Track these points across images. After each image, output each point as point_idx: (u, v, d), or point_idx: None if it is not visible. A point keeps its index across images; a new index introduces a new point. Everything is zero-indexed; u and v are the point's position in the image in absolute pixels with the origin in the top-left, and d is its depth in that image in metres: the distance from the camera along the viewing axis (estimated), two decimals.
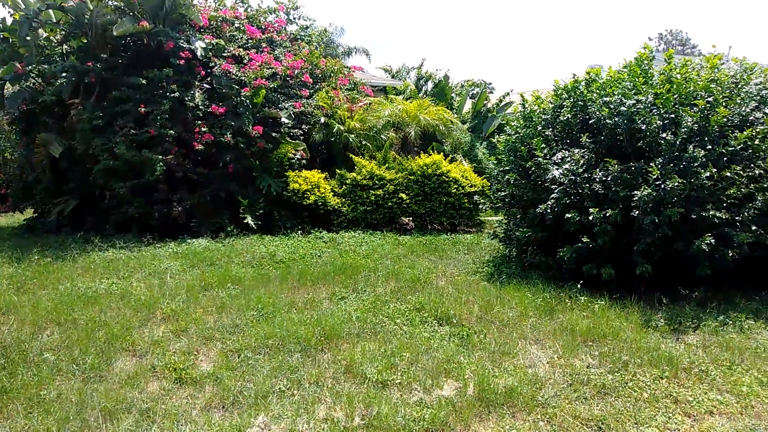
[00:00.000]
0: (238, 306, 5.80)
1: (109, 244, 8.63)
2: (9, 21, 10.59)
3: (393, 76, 20.49)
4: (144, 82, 9.76)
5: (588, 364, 4.50)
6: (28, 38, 9.93)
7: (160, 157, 9.41)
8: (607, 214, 6.07)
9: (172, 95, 9.84)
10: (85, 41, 10.61)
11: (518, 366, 4.47)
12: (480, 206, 9.23)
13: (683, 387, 4.05)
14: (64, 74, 9.98)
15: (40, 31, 10.93)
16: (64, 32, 10.97)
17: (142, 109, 9.48)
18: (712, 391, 3.98)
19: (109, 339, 4.88)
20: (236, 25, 12.19)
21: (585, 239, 6.28)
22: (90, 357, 4.54)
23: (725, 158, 6.11)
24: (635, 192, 6.05)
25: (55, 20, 10.81)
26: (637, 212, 6.02)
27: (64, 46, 11.24)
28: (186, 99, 9.99)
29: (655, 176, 5.97)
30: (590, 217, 6.16)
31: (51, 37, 11.23)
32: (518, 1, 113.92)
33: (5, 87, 10.70)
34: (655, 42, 58.70)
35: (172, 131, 9.63)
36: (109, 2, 10.88)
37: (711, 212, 5.75)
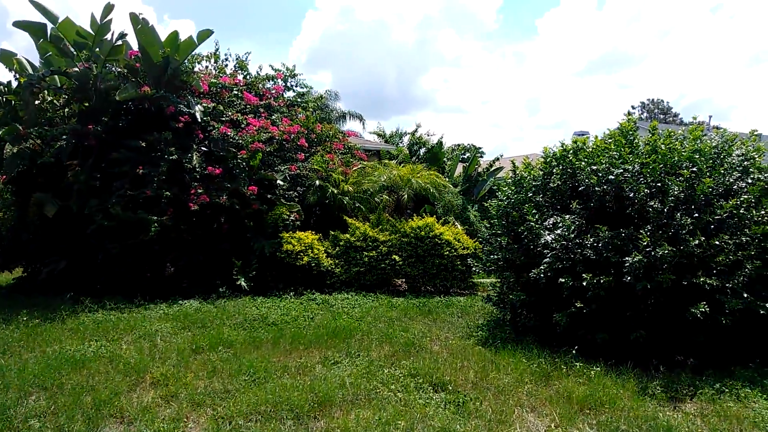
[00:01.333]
0: (229, 370, 5.69)
1: (99, 305, 8.51)
2: (14, 84, 10.90)
3: (386, 141, 21.03)
4: (143, 144, 9.95)
5: None
6: (30, 102, 10.15)
7: (155, 217, 9.47)
8: (600, 280, 6.15)
9: (170, 157, 10.01)
10: (87, 105, 10.88)
11: None
12: (473, 269, 9.27)
13: None
14: (64, 137, 10.17)
15: (44, 94, 11.21)
16: (66, 96, 11.26)
17: (140, 171, 9.61)
18: None
19: (97, 405, 4.75)
20: (235, 91, 12.59)
21: (579, 304, 6.31)
22: (76, 424, 4.41)
23: (712, 226, 6.26)
24: (626, 258, 6.15)
25: (59, 85, 11.13)
26: (629, 278, 6.10)
27: (66, 110, 11.50)
28: (184, 161, 10.16)
29: (645, 243, 6.09)
30: (584, 283, 6.22)
31: (54, 101, 11.51)
32: (508, 71, 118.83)
33: (5, 148, 10.86)
34: (638, 110, 60.95)
35: (168, 192, 9.73)
36: (113, 69, 11.26)
37: (702, 279, 5.83)
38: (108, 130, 10.41)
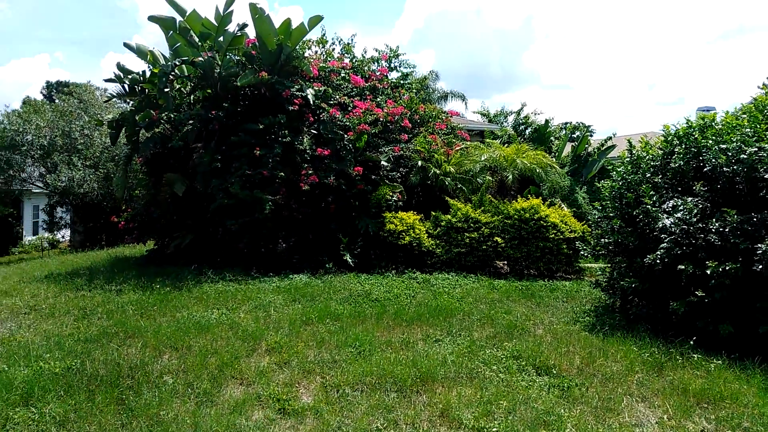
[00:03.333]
0: (336, 342, 6.00)
1: (219, 276, 9.30)
2: (148, 74, 12.04)
3: (490, 121, 20.58)
4: (260, 127, 10.59)
5: (703, 428, 4.16)
6: (166, 90, 11.16)
7: (269, 197, 10.09)
8: (727, 268, 5.67)
9: (284, 140, 10.57)
10: (210, 91, 11.76)
11: (623, 424, 4.23)
12: (581, 252, 8.90)
13: None
14: (190, 122, 11.10)
15: (174, 83, 12.26)
16: (192, 84, 12.24)
17: (257, 152, 10.26)
18: None
19: (220, 366, 5.24)
20: (342, 74, 12.95)
21: (699, 293, 5.87)
22: (203, 382, 4.90)
23: None
24: (758, 245, 5.62)
25: (186, 74, 12.12)
26: (760, 266, 5.57)
27: (192, 96, 12.51)
28: (296, 143, 10.69)
29: None
30: (707, 271, 5.77)
31: (182, 89, 12.56)
32: (619, 45, 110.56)
33: (140, 132, 12.07)
34: None
35: (282, 173, 10.31)
36: (233, 57, 12.04)
37: None
38: (228, 115, 11.19)
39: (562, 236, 10.23)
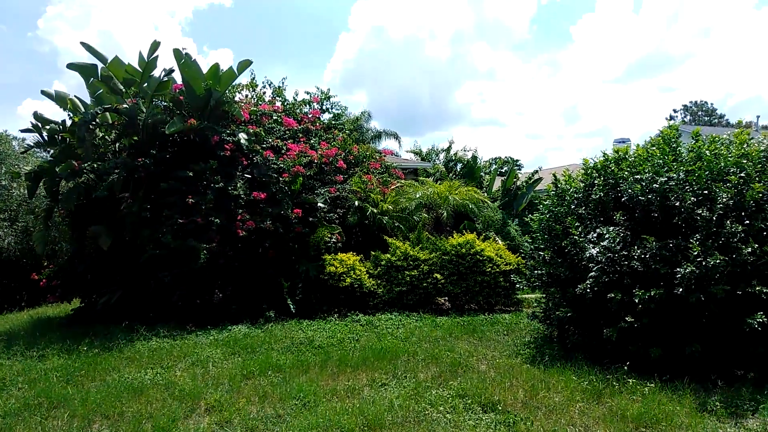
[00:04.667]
0: (279, 394, 5.81)
1: (152, 332, 8.81)
2: (68, 122, 11.55)
3: (423, 158, 21.12)
4: (190, 174, 10.33)
5: None
6: (85, 139, 10.72)
7: (204, 245, 9.78)
8: (651, 293, 6.00)
9: (217, 185, 10.35)
10: (137, 139, 11.40)
11: None
12: (517, 285, 9.16)
13: None
14: (116, 170, 10.68)
15: (97, 131, 11.81)
16: (117, 132, 11.83)
17: (190, 200, 9.96)
18: None
19: None
20: (274, 117, 12.94)
21: (629, 318, 6.17)
22: None
23: (765, 233, 6.04)
24: (677, 269, 6.00)
25: (110, 121, 11.72)
26: (680, 290, 5.93)
27: (117, 145, 12.07)
28: (229, 188, 10.49)
29: (695, 253, 5.93)
30: (634, 299, 6.08)
31: (106, 137, 12.10)
32: (543, 81, 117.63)
33: (60, 184, 11.47)
34: (681, 113, 59.27)
35: (216, 219, 10.05)
36: (160, 103, 11.79)
37: (758, 288, 5.63)
38: (156, 162, 10.86)
39: (498, 269, 10.51)
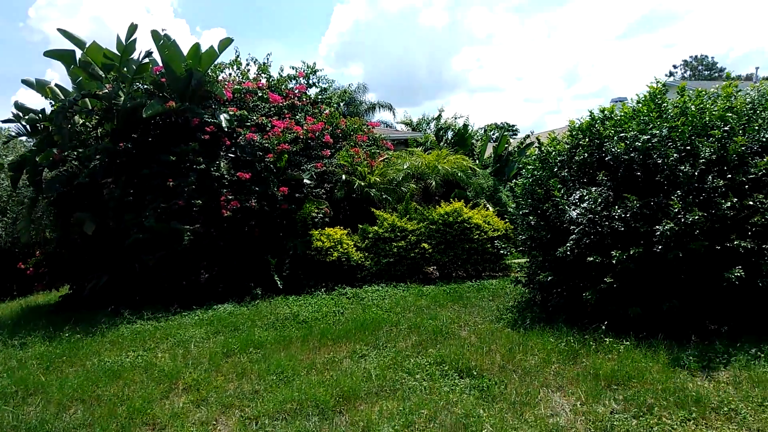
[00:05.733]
0: (258, 371, 5.81)
1: (138, 315, 8.82)
2: (48, 111, 11.41)
3: (414, 129, 20.88)
4: (172, 158, 10.23)
5: (612, 409, 4.29)
6: (62, 126, 10.60)
7: (188, 227, 9.73)
8: (630, 252, 5.91)
9: (199, 167, 10.25)
10: (117, 124, 11.27)
11: (539, 416, 4.30)
12: (502, 251, 9.10)
13: (711, 428, 3.83)
14: (97, 156, 10.59)
15: (77, 118, 11.68)
16: (98, 117, 11.70)
17: (171, 183, 9.89)
18: (741, 431, 3.72)
19: (131, 414, 4.93)
20: (259, 94, 12.75)
21: (608, 279, 6.10)
22: None
23: (746, 186, 5.92)
24: (657, 227, 5.90)
25: (90, 107, 11.57)
26: (660, 247, 5.84)
27: (99, 130, 11.95)
28: (212, 169, 10.39)
29: (676, 210, 5.82)
30: (612, 260, 5.99)
31: (86, 123, 11.98)
32: (542, 42, 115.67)
33: (43, 173, 11.40)
34: (680, 69, 58.27)
35: (199, 201, 9.98)
36: (140, 86, 11.61)
37: (736, 242, 5.53)
38: (138, 147, 10.75)
39: (486, 236, 10.44)
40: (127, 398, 5.30)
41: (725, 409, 4.06)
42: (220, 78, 13.15)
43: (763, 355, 4.96)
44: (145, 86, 11.72)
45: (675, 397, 4.28)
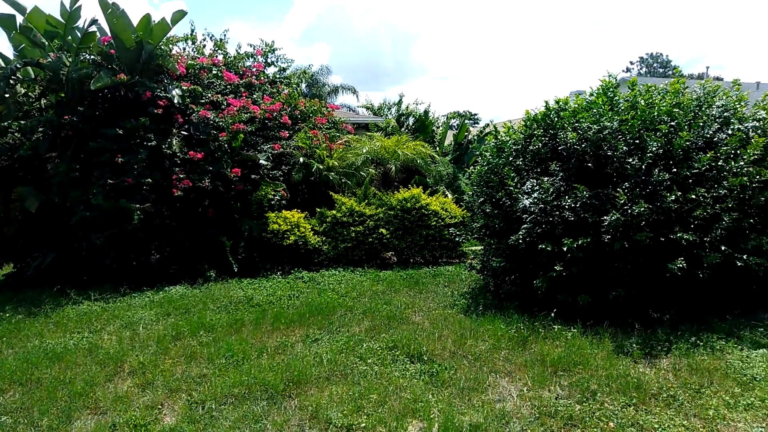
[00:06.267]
0: (207, 354, 5.70)
1: (84, 296, 8.50)
2: None
3: (375, 113, 20.76)
4: (121, 132, 9.83)
5: (557, 395, 4.42)
6: (6, 95, 10.02)
7: (138, 205, 9.40)
8: (579, 242, 6.06)
9: (149, 144, 9.90)
10: (63, 95, 10.73)
11: (486, 401, 4.38)
12: (458, 238, 9.21)
13: (650, 414, 3.98)
14: (41, 129, 10.07)
15: (19, 87, 11.05)
16: (41, 87, 11.10)
17: (119, 159, 9.51)
18: (679, 417, 3.92)
19: (72, 397, 4.77)
20: (214, 71, 12.37)
21: (558, 267, 6.26)
22: (50, 418, 4.43)
23: (690, 180, 6.15)
24: (605, 218, 6.07)
25: (33, 76, 10.96)
26: (607, 238, 6.02)
27: (42, 101, 11.34)
28: (163, 147, 10.04)
29: (622, 201, 6.00)
30: (563, 248, 6.14)
31: (29, 93, 11.35)
32: (505, 33, 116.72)
33: None
34: (636, 65, 60.00)
35: (149, 179, 9.65)
36: (86, 57, 11.06)
37: (679, 234, 5.75)
38: (85, 120, 10.27)
39: (443, 223, 10.52)
40: (68, 381, 5.12)
41: (664, 395, 4.24)
42: (173, 52, 12.68)
43: (701, 344, 5.21)
44: (92, 57, 11.17)
45: (617, 383, 4.45)
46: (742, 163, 6.05)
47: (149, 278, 9.43)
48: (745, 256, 5.69)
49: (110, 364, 5.54)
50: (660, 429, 3.76)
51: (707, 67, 31.30)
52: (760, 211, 6.08)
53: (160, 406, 4.65)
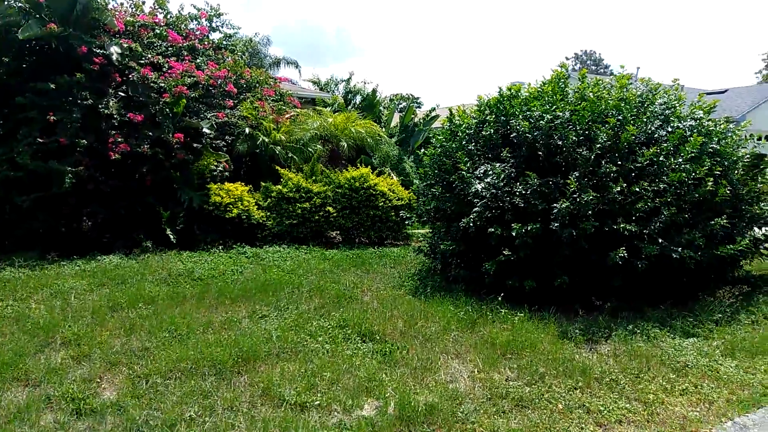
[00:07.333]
0: (149, 327, 5.44)
1: (7, 262, 7.87)
2: None
3: (321, 89, 20.37)
4: (53, 87, 9.08)
5: (507, 377, 4.54)
6: None
7: (70, 168, 8.77)
8: (528, 228, 6.22)
9: (85, 102, 9.22)
10: None
11: (439, 382, 4.44)
12: (407, 221, 9.25)
13: (595, 397, 4.17)
14: None
15: None
16: None
17: (52, 117, 8.80)
18: (621, 400, 4.12)
19: None
20: (156, 31, 11.66)
21: (507, 252, 6.40)
22: None
23: (633, 174, 6.44)
24: (554, 205, 6.25)
25: None
26: (556, 225, 6.21)
27: None
28: (100, 107, 9.38)
29: (572, 189, 6.19)
30: (512, 233, 6.28)
31: None
32: (445, 21, 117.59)
33: None
34: (571, 61, 62.35)
35: (84, 141, 9.01)
36: (13, 3, 10.11)
37: (622, 225, 6.02)
38: (11, 73, 9.45)
39: (390, 204, 10.52)
40: None
41: (607, 379, 4.46)
42: (110, 7, 11.83)
43: (638, 332, 5.51)
44: (20, 4, 10.23)
45: (563, 367, 4.63)
46: (680, 159, 6.40)
47: (81, 246, 8.86)
48: (679, 249, 6.04)
49: (41, 334, 5.17)
50: (605, 411, 3.95)
51: (638, 68, 32.92)
52: (693, 207, 6.47)
53: (98, 380, 4.40)
